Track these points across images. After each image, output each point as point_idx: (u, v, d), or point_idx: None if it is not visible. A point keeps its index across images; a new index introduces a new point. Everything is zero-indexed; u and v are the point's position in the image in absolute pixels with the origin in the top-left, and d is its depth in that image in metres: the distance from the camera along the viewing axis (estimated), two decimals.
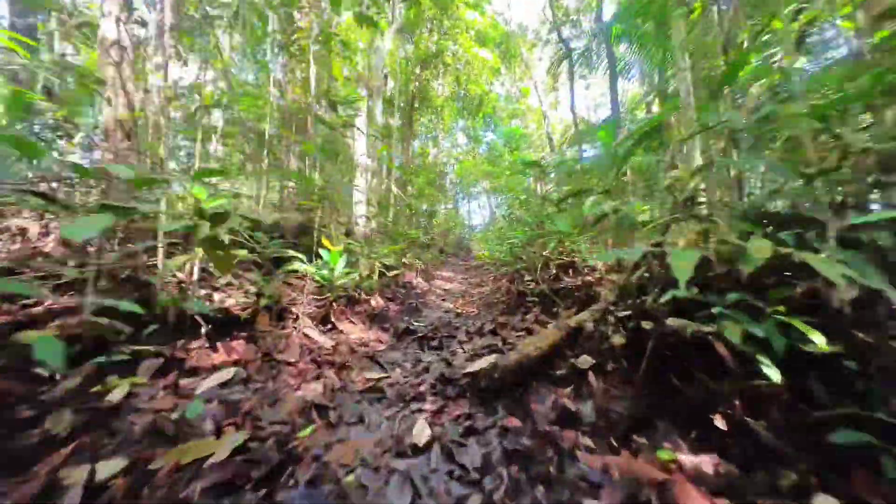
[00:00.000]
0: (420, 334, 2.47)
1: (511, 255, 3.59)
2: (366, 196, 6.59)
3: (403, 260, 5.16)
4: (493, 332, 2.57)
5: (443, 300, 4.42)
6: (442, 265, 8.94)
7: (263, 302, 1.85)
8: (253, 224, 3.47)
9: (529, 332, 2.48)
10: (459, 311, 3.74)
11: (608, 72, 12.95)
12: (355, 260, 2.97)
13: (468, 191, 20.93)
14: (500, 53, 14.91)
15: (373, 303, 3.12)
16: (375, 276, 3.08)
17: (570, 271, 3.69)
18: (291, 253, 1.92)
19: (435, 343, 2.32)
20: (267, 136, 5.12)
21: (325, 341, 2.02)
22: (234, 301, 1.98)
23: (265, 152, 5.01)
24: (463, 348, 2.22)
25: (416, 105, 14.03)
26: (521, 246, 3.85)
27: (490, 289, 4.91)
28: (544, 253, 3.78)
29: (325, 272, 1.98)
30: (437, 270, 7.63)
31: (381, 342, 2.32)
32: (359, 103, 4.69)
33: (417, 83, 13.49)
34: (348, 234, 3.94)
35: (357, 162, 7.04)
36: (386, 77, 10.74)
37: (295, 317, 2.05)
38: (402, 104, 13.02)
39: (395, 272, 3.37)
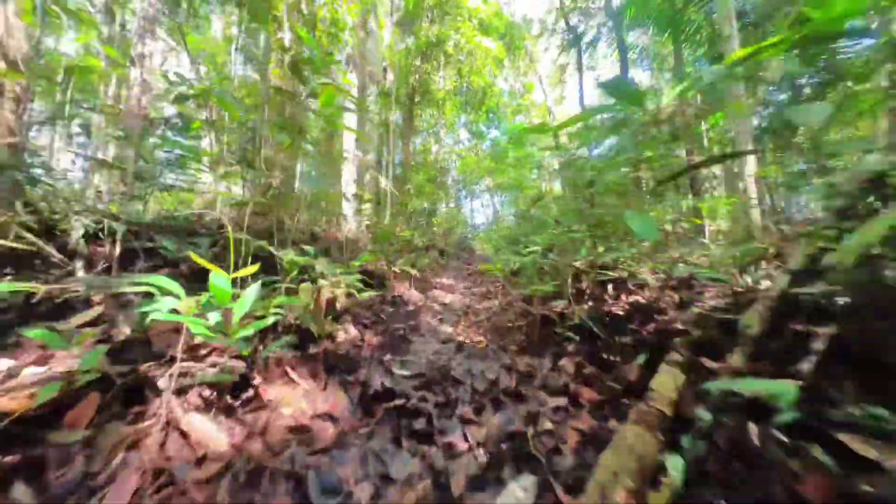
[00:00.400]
0: (400, 400, 1.56)
1: (534, 270, 2.66)
2: (353, 192, 5.70)
3: (394, 268, 4.25)
4: (516, 395, 1.66)
5: (440, 320, 3.51)
6: (442, 270, 7.99)
7: (82, 378, 0.94)
8: (173, 227, 2.57)
9: (573, 398, 1.56)
10: (462, 338, 2.83)
11: (619, 61, 12.05)
12: (305, 278, 2.06)
13: (471, 188, 20.07)
14: (504, 45, 14.09)
15: (340, 337, 2.21)
16: (342, 300, 2.17)
17: (611, 288, 2.77)
18: (152, 284, 1.01)
19: (421, 423, 1.40)
20: (226, 122, 4.23)
21: (218, 440, 1.11)
22: (46, 374, 1.08)
23: (224, 141, 4.13)
24: (468, 436, 1.31)
25: (417, 99, 13.19)
26: (541, 253, 2.93)
27: (499, 303, 4.00)
28: (574, 263, 2.86)
29: (215, 316, 1.06)
30: (436, 277, 6.69)
31: (332, 421, 1.40)
32: (334, 69, 3.79)
33: (418, 76, 12.65)
34: (315, 238, 3.04)
35: (345, 154, 6.13)
36: (385, 70, 9.88)
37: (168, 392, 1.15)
38: (402, 97, 12.18)
39: (371, 293, 2.46)
